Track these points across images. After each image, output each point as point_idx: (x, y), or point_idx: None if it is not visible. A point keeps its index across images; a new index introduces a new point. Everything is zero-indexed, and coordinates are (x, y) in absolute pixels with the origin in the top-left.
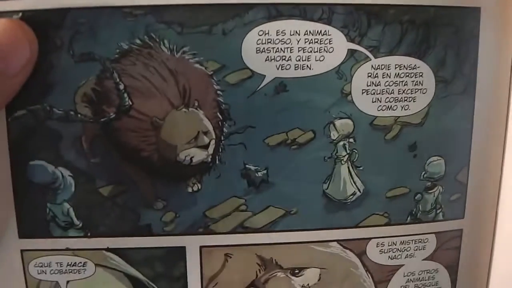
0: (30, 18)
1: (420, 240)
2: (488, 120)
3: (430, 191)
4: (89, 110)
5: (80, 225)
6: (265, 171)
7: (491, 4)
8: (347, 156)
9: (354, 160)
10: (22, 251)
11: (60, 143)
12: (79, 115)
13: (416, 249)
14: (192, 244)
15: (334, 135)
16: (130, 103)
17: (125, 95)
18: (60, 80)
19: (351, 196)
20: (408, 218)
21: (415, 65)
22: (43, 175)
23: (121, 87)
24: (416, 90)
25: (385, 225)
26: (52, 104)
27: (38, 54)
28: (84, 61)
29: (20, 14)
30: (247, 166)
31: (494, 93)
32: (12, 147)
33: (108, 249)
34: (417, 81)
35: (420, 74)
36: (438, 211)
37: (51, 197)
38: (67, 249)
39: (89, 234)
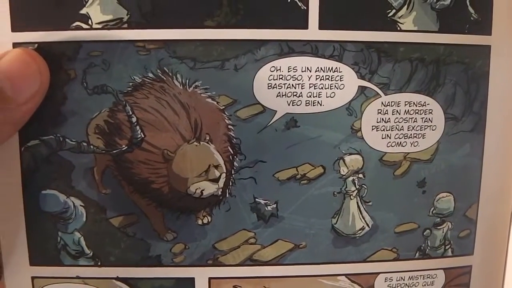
0: (45, 49)
1: (428, 276)
2: (499, 157)
3: (439, 227)
4: (102, 142)
5: (91, 254)
6: (274, 205)
7: (501, 42)
8: (356, 191)
9: (363, 196)
10: (33, 278)
11: (72, 173)
12: (91, 147)
13: (425, 285)
14: (201, 275)
15: (343, 170)
16: (142, 135)
17: (138, 127)
18: (74, 112)
19: (360, 231)
20: (417, 254)
21: (424, 102)
22: (54, 204)
23: (134, 119)
24: (426, 127)
25: (394, 260)
26: (65, 135)
27: (52, 85)
28: (98, 93)
29: (36, 45)
30: (257, 200)
31: (505, 131)
32: (24, 176)
33: (118, 279)
34: (426, 118)
35: (430, 111)
36: (447, 247)
37: (62, 226)
38: (77, 277)
39: (99, 263)
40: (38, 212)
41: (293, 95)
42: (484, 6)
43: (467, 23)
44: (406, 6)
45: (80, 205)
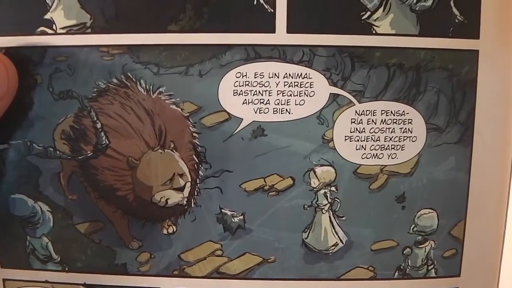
0: (13, 54)
1: None
2: (488, 171)
3: (420, 246)
4: (67, 147)
5: (58, 259)
6: (241, 217)
7: (490, 47)
8: (328, 205)
9: (336, 210)
10: (4, 280)
11: (39, 178)
12: (57, 152)
13: None
14: (167, 286)
15: (314, 182)
16: (107, 142)
17: (102, 134)
18: (41, 117)
19: (333, 247)
20: (396, 273)
21: (403, 111)
22: (23, 209)
23: (98, 125)
24: (405, 138)
25: (370, 279)
26: (33, 140)
27: (20, 89)
28: (63, 98)
29: (3, 50)
30: (223, 210)
31: (495, 142)
32: None
33: (85, 285)
34: (405, 128)
35: (409, 120)
36: (430, 267)
37: (30, 231)
38: (46, 281)
39: (66, 269)
40: (8, 216)
41: (260, 103)
42: (471, 6)
43: (451, 26)
44: (382, 8)
45: (47, 210)
